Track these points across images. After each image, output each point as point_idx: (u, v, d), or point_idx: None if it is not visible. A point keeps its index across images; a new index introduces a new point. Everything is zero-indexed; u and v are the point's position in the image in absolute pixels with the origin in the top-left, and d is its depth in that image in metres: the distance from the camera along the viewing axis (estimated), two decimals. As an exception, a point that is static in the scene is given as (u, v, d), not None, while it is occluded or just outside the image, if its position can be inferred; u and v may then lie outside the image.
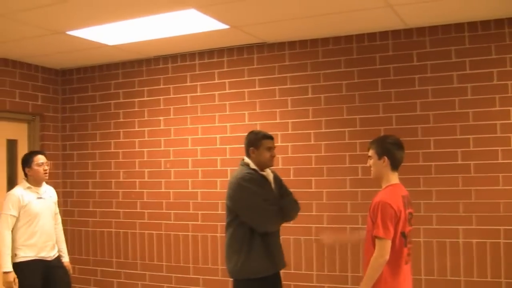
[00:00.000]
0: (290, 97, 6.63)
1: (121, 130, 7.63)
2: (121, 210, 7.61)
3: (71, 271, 6.20)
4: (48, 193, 6.04)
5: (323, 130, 6.43)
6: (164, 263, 7.29)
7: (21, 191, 5.78)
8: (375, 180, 4.37)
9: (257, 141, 4.93)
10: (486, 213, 5.76)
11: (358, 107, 6.31)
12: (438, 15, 5.77)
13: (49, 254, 5.87)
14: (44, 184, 6.00)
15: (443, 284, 5.91)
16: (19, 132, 7.64)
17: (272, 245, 4.90)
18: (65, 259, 6.14)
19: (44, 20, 5.72)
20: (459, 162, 5.88)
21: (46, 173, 5.89)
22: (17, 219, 5.67)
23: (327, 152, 6.38)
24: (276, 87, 6.71)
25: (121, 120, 7.63)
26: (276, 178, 5.12)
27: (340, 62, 6.42)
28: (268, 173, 5.04)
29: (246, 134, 5.11)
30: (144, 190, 7.46)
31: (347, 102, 6.36)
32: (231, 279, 4.97)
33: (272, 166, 5.06)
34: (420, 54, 6.10)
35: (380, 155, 4.28)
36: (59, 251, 6.08)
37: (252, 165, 4.91)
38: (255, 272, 4.77)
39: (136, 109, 7.52)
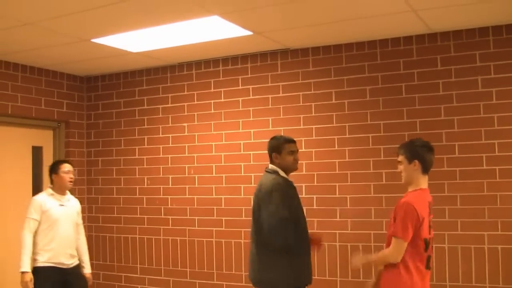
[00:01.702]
0: (314, 103, 6.63)
1: (145, 137, 7.67)
2: (145, 216, 7.64)
3: (91, 283, 6.28)
4: (72, 202, 6.18)
5: (347, 136, 6.42)
6: (188, 269, 7.30)
7: (44, 197, 5.98)
8: (406, 185, 4.33)
9: (279, 146, 4.95)
10: (511, 218, 5.71)
11: (382, 113, 6.29)
12: (462, 19, 5.74)
13: (67, 262, 5.97)
14: (68, 193, 6.15)
15: (469, 291, 5.87)
16: (44, 139, 7.71)
17: (301, 259, 4.87)
18: (87, 270, 6.23)
19: (69, 28, 5.78)
20: (484, 167, 5.84)
21: (71, 181, 6.06)
22: (39, 223, 5.85)
23: (351, 158, 6.36)
24: (300, 93, 6.71)
25: (145, 126, 7.67)
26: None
27: (364, 68, 6.41)
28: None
29: (266, 140, 5.16)
30: (168, 196, 7.48)
31: (371, 108, 6.34)
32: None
33: (296, 169, 5.08)
34: (444, 59, 6.06)
35: (410, 160, 4.26)
36: (81, 262, 6.18)
37: (281, 173, 4.92)
38: (281, 285, 4.77)
39: (160, 116, 7.56)
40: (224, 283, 7.05)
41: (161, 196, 7.53)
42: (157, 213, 7.55)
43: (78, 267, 6.13)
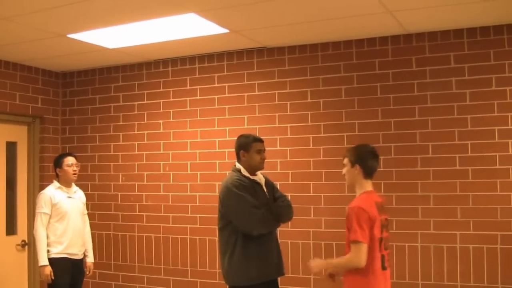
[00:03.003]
0: (290, 102, 6.65)
1: (121, 133, 7.65)
2: (120, 213, 7.62)
3: (91, 272, 6.52)
4: (78, 194, 6.42)
5: (322, 135, 6.45)
6: (162, 266, 7.29)
7: (52, 191, 6.17)
8: (349, 187, 4.58)
9: (247, 144, 5.00)
10: (483, 218, 5.78)
11: (357, 112, 6.33)
12: (437, 20, 5.80)
13: (79, 252, 6.26)
14: (74, 185, 6.36)
15: (440, 289, 5.94)
16: (19, 134, 7.65)
17: (268, 252, 4.93)
18: (89, 259, 6.48)
19: (45, 23, 5.75)
20: (457, 167, 5.91)
21: (75, 174, 6.27)
22: (50, 216, 6.05)
23: (326, 157, 6.40)
24: (276, 92, 6.73)
25: (121, 123, 7.65)
26: (268, 182, 5.18)
27: (340, 67, 6.44)
28: (260, 177, 5.10)
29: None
30: (143, 193, 7.47)
31: (346, 107, 6.38)
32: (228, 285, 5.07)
33: (262, 169, 5.13)
34: (419, 60, 6.12)
35: (353, 163, 4.39)
36: (85, 251, 6.42)
37: (244, 171, 4.97)
38: (249, 279, 4.80)
39: (135, 112, 7.54)
40: (198, 280, 7.06)
41: (136, 193, 7.52)
42: (131, 210, 7.53)
43: (83, 258, 6.38)
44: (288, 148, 6.62)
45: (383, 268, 4.25)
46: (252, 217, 4.75)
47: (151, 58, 7.36)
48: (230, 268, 4.86)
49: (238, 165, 5.03)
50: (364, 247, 4.11)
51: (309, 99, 6.55)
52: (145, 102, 7.49)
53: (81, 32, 6.07)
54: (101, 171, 7.77)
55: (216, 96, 7.06)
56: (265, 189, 5.06)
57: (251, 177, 4.98)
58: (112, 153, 7.71)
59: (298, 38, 6.45)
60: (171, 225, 7.28)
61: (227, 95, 7.00)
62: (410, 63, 6.15)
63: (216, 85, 7.07)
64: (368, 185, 4.41)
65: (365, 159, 4.38)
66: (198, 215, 7.10)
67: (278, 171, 6.59)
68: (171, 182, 7.31)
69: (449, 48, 6.02)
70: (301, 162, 6.54)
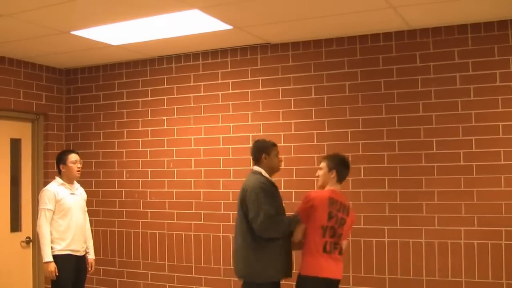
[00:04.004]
0: (293, 98, 6.64)
1: (125, 130, 7.65)
2: (124, 209, 7.63)
3: (93, 268, 6.54)
4: (79, 191, 6.45)
5: (326, 131, 6.45)
6: (166, 263, 7.30)
7: (56, 187, 6.18)
8: (321, 188, 5.24)
9: (268, 148, 5.30)
10: (488, 214, 5.77)
11: (361, 108, 6.32)
12: (441, 16, 5.78)
13: (81, 249, 6.28)
14: (75, 182, 6.38)
15: (444, 285, 5.91)
16: (23, 131, 7.66)
17: (286, 253, 5.15)
18: (91, 256, 6.51)
19: (49, 20, 5.74)
20: (462, 163, 5.90)
21: (79, 171, 6.32)
22: (53, 213, 6.08)
23: (330, 153, 6.38)
24: (280, 88, 6.72)
25: (125, 119, 7.65)
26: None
27: (344, 63, 6.43)
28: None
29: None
30: (147, 190, 7.48)
31: (350, 103, 6.37)
32: (241, 281, 5.21)
33: (279, 170, 5.46)
34: (423, 55, 6.11)
35: (330, 169, 5.21)
36: (86, 247, 6.43)
37: (264, 173, 5.23)
38: (267, 277, 5.03)
39: (139, 109, 7.54)
40: (203, 276, 7.07)
41: (140, 190, 7.52)
42: (136, 206, 7.54)
43: (85, 254, 6.40)
44: (292, 144, 6.62)
45: (324, 251, 5.00)
46: (267, 222, 4.96)
47: (154, 54, 7.36)
48: (253, 265, 5.03)
49: (258, 168, 5.27)
50: (301, 226, 5.12)
51: (313, 95, 6.55)
52: (149, 98, 7.49)
53: (84, 29, 6.07)
54: (105, 167, 7.78)
55: (220, 93, 7.05)
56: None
57: (272, 180, 5.27)
58: (116, 149, 7.71)
59: (301, 34, 6.44)
60: (175, 221, 7.28)
61: (231, 91, 6.99)
62: (414, 59, 6.14)
63: (220, 81, 7.06)
64: (335, 186, 5.21)
65: (341, 167, 5.22)
66: (202, 212, 7.10)
67: (282, 167, 6.56)
68: (175, 179, 7.32)
69: (453, 43, 6.01)
70: (305, 158, 6.53)
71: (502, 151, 5.76)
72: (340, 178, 5.22)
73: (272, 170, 5.32)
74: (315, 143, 6.49)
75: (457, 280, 5.87)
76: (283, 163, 5.59)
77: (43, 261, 6.01)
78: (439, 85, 6.02)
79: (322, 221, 4.99)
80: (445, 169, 5.96)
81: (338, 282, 5.12)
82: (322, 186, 5.24)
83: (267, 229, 4.94)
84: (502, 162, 5.76)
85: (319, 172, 5.28)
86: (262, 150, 5.30)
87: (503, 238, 5.72)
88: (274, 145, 5.38)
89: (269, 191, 5.09)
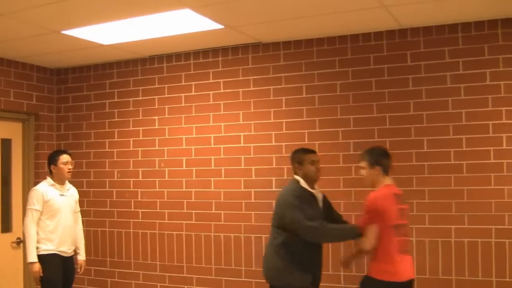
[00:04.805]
0: (285, 97, 6.65)
1: (116, 130, 7.64)
2: (115, 209, 7.62)
3: (82, 269, 6.50)
4: (71, 192, 6.40)
5: (317, 130, 6.46)
6: (158, 262, 7.30)
7: (45, 188, 6.14)
8: (370, 187, 4.80)
9: (299, 157, 5.21)
10: (478, 212, 5.80)
11: (352, 107, 6.34)
12: (432, 15, 5.80)
13: (68, 250, 6.22)
14: (67, 183, 6.35)
15: (435, 283, 5.94)
16: (13, 131, 7.65)
17: (319, 259, 5.16)
18: (81, 257, 6.48)
19: (39, 20, 5.74)
20: (452, 162, 5.92)
21: (69, 172, 6.26)
22: (41, 213, 6.03)
23: (321, 152, 6.32)
24: (271, 87, 6.73)
25: (116, 119, 7.65)
26: (325, 200, 5.34)
27: (335, 62, 6.45)
28: (317, 191, 5.23)
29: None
30: (139, 190, 7.47)
31: (341, 102, 6.39)
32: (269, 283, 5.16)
33: (318, 179, 5.25)
34: (414, 55, 6.13)
35: (372, 164, 4.84)
36: (76, 248, 6.41)
37: (302, 183, 5.12)
38: (298, 282, 4.99)
39: (130, 109, 7.54)
40: (194, 276, 7.07)
41: (131, 189, 7.51)
42: (127, 206, 7.53)
43: (73, 255, 6.35)
44: (284, 144, 6.62)
45: (401, 252, 4.62)
46: (308, 227, 4.90)
47: (146, 54, 7.35)
48: (280, 271, 5.03)
49: (296, 177, 5.21)
50: (372, 230, 4.62)
51: (304, 94, 6.56)
52: (140, 98, 7.49)
53: (75, 28, 6.06)
54: (96, 167, 7.77)
55: (211, 92, 7.06)
56: (320, 204, 5.21)
57: (309, 189, 5.13)
58: (107, 149, 7.70)
59: (293, 33, 6.45)
60: (166, 221, 7.28)
61: (222, 90, 7.00)
62: (405, 58, 6.16)
63: (211, 81, 7.07)
64: (387, 180, 4.83)
65: (382, 158, 4.85)
66: (193, 211, 7.11)
67: (274, 166, 6.62)
68: (166, 178, 7.31)
69: (443, 42, 6.03)
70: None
71: (492, 150, 5.80)
72: (386, 170, 4.87)
73: (308, 179, 5.16)
74: (306, 142, 6.48)
75: (448, 278, 5.89)
76: (319, 172, 5.28)
77: (28, 261, 6.00)
78: (430, 84, 6.04)
79: (393, 219, 4.65)
80: (436, 167, 5.98)
81: (414, 281, 4.90)
82: (372, 185, 4.87)
83: (314, 234, 4.92)
84: (492, 161, 5.79)
85: (363, 172, 4.92)
86: (294, 161, 5.28)
87: (493, 236, 5.75)
88: (308, 152, 5.27)
89: (303, 197, 5.03)
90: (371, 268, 4.73)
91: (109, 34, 6.29)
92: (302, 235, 4.89)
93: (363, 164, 4.86)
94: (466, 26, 5.95)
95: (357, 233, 4.85)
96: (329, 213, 5.29)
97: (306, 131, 6.51)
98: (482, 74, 5.87)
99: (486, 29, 5.88)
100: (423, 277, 5.97)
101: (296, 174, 5.23)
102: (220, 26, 6.05)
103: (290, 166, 6.08)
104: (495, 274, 5.74)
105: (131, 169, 7.53)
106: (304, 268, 4.98)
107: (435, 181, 5.98)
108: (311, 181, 5.17)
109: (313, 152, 5.26)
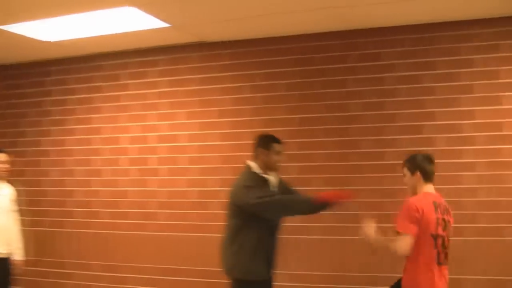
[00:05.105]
0: (229, 96, 6.71)
1: (54, 128, 7.54)
2: (50, 208, 7.52)
3: (19, 270, 6.21)
4: (5, 191, 6.14)
5: (261, 129, 6.45)
6: (94, 262, 7.25)
7: None
8: (411, 194, 4.60)
9: (268, 144, 5.00)
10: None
11: (297, 107, 6.43)
12: (377, 17, 5.95)
13: (2, 250, 5.98)
14: (2, 182, 6.13)
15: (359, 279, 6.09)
16: None
17: (274, 250, 5.04)
18: (17, 257, 6.15)
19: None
20: (385, 162, 6.13)
21: (6, 171, 6.09)
22: None
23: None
24: (215, 86, 6.77)
25: (54, 117, 7.55)
26: (282, 183, 5.17)
27: (280, 62, 6.53)
28: (272, 177, 5.05)
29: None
30: (74, 188, 7.40)
31: (286, 102, 6.47)
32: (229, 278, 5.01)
33: (277, 170, 5.06)
34: (357, 56, 6.29)
35: (412, 171, 4.60)
36: (12, 248, 6.12)
37: (255, 168, 4.97)
38: (257, 275, 4.90)
39: (69, 107, 7.45)
40: (133, 275, 7.05)
41: (66, 188, 7.43)
42: (62, 205, 7.44)
43: (9, 256, 6.09)
44: (227, 143, 6.68)
45: (438, 263, 4.42)
46: (267, 203, 4.77)
47: (88, 51, 7.27)
48: (238, 262, 4.91)
49: (250, 163, 5.03)
50: (406, 238, 4.34)
51: (247, 93, 6.63)
52: (80, 96, 7.41)
53: (14, 23, 5.95)
54: (33, 166, 7.65)
55: (154, 91, 7.06)
56: (273, 188, 5.02)
57: (261, 174, 4.97)
58: (44, 148, 7.59)
59: (238, 33, 6.50)
60: (101, 220, 7.24)
61: (164, 89, 7.00)
62: (350, 59, 6.30)
63: (154, 79, 7.07)
64: (427, 188, 4.58)
65: (423, 164, 4.60)
66: (130, 210, 7.09)
67: (217, 165, 6.66)
68: (102, 177, 7.26)
69: (386, 44, 6.21)
70: (240, 157, 6.48)
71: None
72: (427, 177, 4.61)
73: (266, 167, 4.97)
74: (249, 141, 6.49)
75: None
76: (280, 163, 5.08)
77: None
78: (370, 85, 6.19)
79: (431, 229, 4.41)
80: (372, 167, 6.18)
81: None
82: (414, 193, 4.64)
83: (279, 207, 4.80)
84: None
85: (404, 179, 4.73)
86: (260, 144, 5.03)
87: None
88: (277, 141, 5.02)
89: (255, 180, 4.88)
90: (406, 279, 4.53)
91: (50, 30, 6.22)
92: (257, 213, 4.77)
93: (404, 171, 4.70)
94: (411, 28, 6.13)
95: (312, 205, 4.82)
96: (287, 193, 5.17)
97: (249, 130, 6.52)
98: (419, 76, 6.09)
99: (425, 32, 6.09)
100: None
101: (254, 157, 5.05)
102: (165, 25, 6.04)
103: (240, 165, 6.18)
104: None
105: (67, 168, 7.43)
106: (259, 259, 4.91)
107: (371, 180, 6.16)
108: (269, 169, 5.01)
109: (281, 142, 5.06)
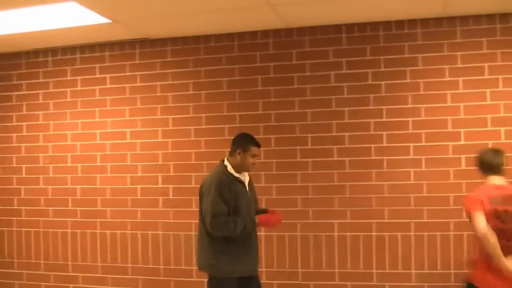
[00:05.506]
0: (171, 93, 6.65)
1: (-1, 125, 7.43)
2: (-4, 207, 7.41)
3: None
4: None
5: (203, 127, 6.49)
6: (42, 261, 7.11)
7: None
8: None
9: (246, 145, 4.98)
10: (359, 207, 6.05)
11: (238, 104, 6.42)
12: (317, 16, 5.93)
13: None
14: None
15: (317, 276, 6.11)
16: None
17: (251, 247, 5.01)
18: None
19: None
20: (335, 158, 6.12)
21: None
22: None
23: (207, 148, 6.44)
24: (158, 83, 6.71)
25: (-1, 114, 7.44)
26: (251, 184, 5.20)
27: (222, 60, 6.50)
28: (245, 177, 5.08)
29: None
30: (22, 187, 7.26)
31: (227, 99, 6.45)
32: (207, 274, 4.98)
33: (249, 171, 5.10)
34: (300, 54, 6.28)
35: (476, 165, 4.76)
36: None
37: (230, 168, 4.97)
38: (231, 271, 4.87)
39: (14, 103, 7.30)
40: (80, 274, 6.95)
41: (14, 187, 7.29)
42: (9, 204, 7.31)
43: None
44: (170, 140, 6.62)
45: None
46: (210, 223, 4.79)
47: (30, 47, 7.15)
48: (214, 259, 4.88)
49: (226, 162, 5.03)
50: (477, 214, 4.39)
51: (191, 91, 6.58)
52: (24, 92, 7.27)
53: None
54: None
55: (97, 87, 6.95)
56: (246, 187, 5.04)
57: (236, 175, 4.98)
58: (-12, 145, 7.47)
59: (180, 30, 6.44)
60: (50, 218, 7.11)
61: (108, 86, 6.91)
62: (291, 57, 6.29)
63: (97, 76, 6.96)
64: (490, 179, 4.64)
65: (483, 158, 4.70)
66: (79, 208, 6.98)
67: (160, 162, 6.60)
68: (50, 175, 7.15)
69: (328, 42, 6.20)
70: (183, 154, 6.55)
71: (372, 147, 6.06)
72: (488, 170, 4.66)
73: (241, 167, 5.01)
74: (192, 138, 6.52)
75: (331, 271, 6.06)
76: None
77: None
78: (314, 82, 6.19)
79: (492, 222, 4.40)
80: (319, 164, 6.16)
81: None
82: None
83: (214, 228, 4.78)
84: (373, 158, 6.06)
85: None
86: (238, 144, 5.02)
87: (374, 230, 6.00)
88: (256, 144, 5.03)
89: (225, 187, 4.85)
90: (474, 273, 4.55)
91: (-10, 25, 6.10)
92: (211, 229, 4.80)
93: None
94: (350, 27, 6.17)
95: (255, 222, 4.89)
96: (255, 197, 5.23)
97: (192, 127, 6.53)
98: (364, 74, 6.12)
99: (368, 31, 6.11)
100: (305, 270, 6.10)
101: (230, 155, 5.05)
102: (107, 21, 5.96)
103: (180, 162, 6.18)
104: (376, 266, 6.03)
105: (14, 165, 7.31)
106: (233, 257, 4.88)
107: (318, 177, 6.15)
108: (242, 170, 5.04)
109: (259, 146, 5.08)
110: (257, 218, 4.93)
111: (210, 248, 4.90)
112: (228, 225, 4.74)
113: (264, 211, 5.17)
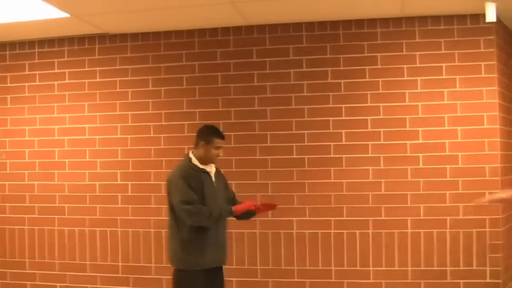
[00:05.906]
0: (131, 89, 6.62)
1: (-45, 121, 7.31)
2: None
3: None
4: None
5: (163, 123, 6.47)
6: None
7: None
8: None
9: (209, 137, 4.92)
10: (318, 205, 6.12)
11: (198, 101, 6.41)
12: (278, 13, 5.95)
13: None
14: None
15: (277, 272, 6.14)
16: None
17: (218, 239, 4.95)
18: None
19: None
20: (294, 156, 6.15)
21: None
22: None
23: (167, 145, 6.43)
24: (117, 79, 6.67)
25: (-49, 109, 7.31)
26: (221, 176, 5.16)
27: (182, 56, 6.49)
28: (210, 167, 5.01)
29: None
30: (-21, 183, 7.18)
31: (187, 96, 6.44)
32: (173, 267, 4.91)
33: (215, 163, 5.02)
34: (260, 51, 6.30)
35: None
36: None
37: (194, 160, 4.93)
38: (197, 264, 4.80)
39: (-29, 98, 7.23)
40: (37, 272, 6.86)
41: (-30, 183, 7.21)
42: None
43: None
44: (129, 136, 6.59)
45: None
46: (182, 211, 4.73)
47: (-11, 41, 7.07)
48: (181, 253, 4.82)
49: (190, 154, 4.98)
50: None
51: (150, 87, 6.55)
52: (-18, 87, 7.19)
53: None
54: None
55: (56, 82, 6.87)
56: (213, 178, 4.98)
57: (201, 166, 4.92)
58: None
59: (141, 25, 6.41)
60: (7, 215, 7.02)
61: (67, 81, 6.83)
62: (251, 54, 6.31)
63: (56, 70, 6.88)
64: None
65: None
66: (36, 205, 6.90)
67: (119, 159, 6.56)
68: (7, 171, 7.05)
69: (288, 40, 6.24)
70: (142, 150, 6.53)
71: (332, 145, 6.12)
72: None
73: (204, 160, 4.94)
74: (152, 135, 6.49)
75: (290, 268, 6.10)
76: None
77: None
78: (274, 80, 6.22)
79: None
80: (279, 161, 6.19)
81: None
82: None
83: (188, 215, 4.70)
84: (332, 156, 6.10)
85: None
86: (202, 137, 4.96)
87: (332, 228, 6.06)
88: (219, 136, 4.96)
89: (190, 178, 4.80)
90: None
91: None
92: (185, 218, 4.73)
93: None
94: (309, 25, 6.20)
95: (231, 211, 4.86)
96: (225, 189, 5.18)
97: (152, 124, 6.51)
98: (324, 72, 6.17)
99: (328, 29, 6.16)
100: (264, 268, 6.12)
101: (194, 148, 5.00)
102: (65, 15, 5.90)
103: (139, 159, 6.14)
104: (334, 263, 6.06)
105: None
106: (201, 250, 4.83)
107: (278, 174, 6.17)
108: (207, 161, 4.98)
109: (223, 138, 5.00)
110: (234, 208, 4.90)
111: (178, 242, 4.85)
112: (202, 212, 4.70)
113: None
